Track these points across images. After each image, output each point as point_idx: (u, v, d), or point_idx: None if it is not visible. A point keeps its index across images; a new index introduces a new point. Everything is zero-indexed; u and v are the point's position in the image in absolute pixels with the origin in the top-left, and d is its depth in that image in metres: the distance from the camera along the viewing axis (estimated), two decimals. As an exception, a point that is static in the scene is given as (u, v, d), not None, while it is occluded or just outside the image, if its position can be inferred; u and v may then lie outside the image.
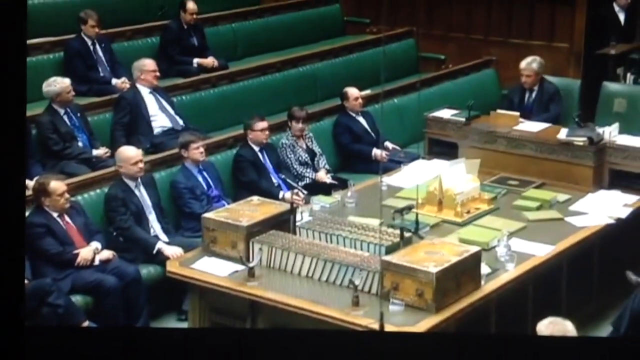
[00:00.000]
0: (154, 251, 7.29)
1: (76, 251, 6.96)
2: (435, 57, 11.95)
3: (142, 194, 7.51)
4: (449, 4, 12.17)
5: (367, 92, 9.87)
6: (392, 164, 8.66)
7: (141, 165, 7.51)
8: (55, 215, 6.98)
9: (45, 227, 6.91)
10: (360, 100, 9.42)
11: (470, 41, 12.04)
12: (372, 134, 9.41)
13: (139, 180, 7.51)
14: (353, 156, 9.36)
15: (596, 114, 9.79)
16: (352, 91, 9.44)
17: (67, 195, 7.02)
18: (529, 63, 9.63)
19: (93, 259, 7.00)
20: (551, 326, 4.81)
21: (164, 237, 7.47)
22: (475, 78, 11.13)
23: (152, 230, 7.49)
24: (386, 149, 9.32)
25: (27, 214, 6.64)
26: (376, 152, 9.19)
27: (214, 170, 8.07)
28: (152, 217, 7.52)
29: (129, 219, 7.36)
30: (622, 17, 11.51)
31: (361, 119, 9.46)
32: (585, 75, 11.01)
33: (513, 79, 10.34)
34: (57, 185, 6.97)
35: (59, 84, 8.33)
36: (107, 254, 7.09)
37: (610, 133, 7.95)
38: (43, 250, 6.89)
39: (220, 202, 7.84)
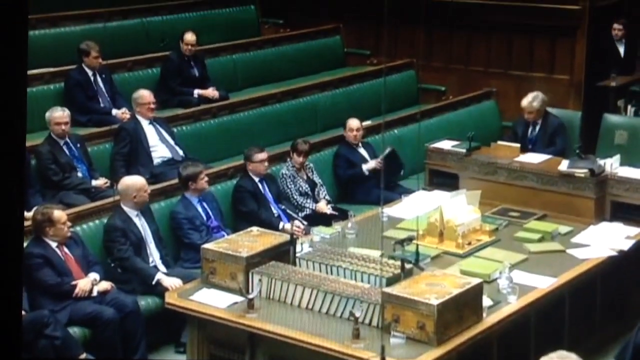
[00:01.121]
0: (153, 282, 7.24)
1: (74, 282, 6.91)
2: (436, 89, 11.97)
3: (143, 224, 7.49)
4: (449, 35, 12.18)
5: (368, 123, 9.86)
6: (392, 195, 8.62)
7: (149, 191, 7.58)
8: (53, 245, 6.94)
9: (44, 257, 6.87)
10: (360, 132, 9.40)
11: (471, 73, 12.05)
12: (373, 165, 9.38)
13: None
14: (351, 182, 9.32)
15: (597, 146, 9.77)
16: (353, 122, 9.42)
17: (69, 224, 7.02)
18: (530, 102, 9.52)
19: (91, 290, 6.95)
20: None
21: (162, 268, 7.43)
22: (476, 109, 11.15)
23: (151, 261, 7.45)
24: None
25: (25, 244, 6.62)
26: (367, 165, 9.17)
27: (213, 201, 8.04)
28: (151, 247, 7.48)
29: (128, 249, 7.32)
30: (621, 49, 11.55)
31: (362, 150, 9.44)
32: (585, 107, 11.00)
33: (513, 111, 10.32)
34: (60, 214, 6.97)
35: (49, 114, 8.33)
36: (105, 285, 7.05)
37: (612, 165, 7.92)
38: (41, 281, 6.84)
39: (220, 232, 7.81)
